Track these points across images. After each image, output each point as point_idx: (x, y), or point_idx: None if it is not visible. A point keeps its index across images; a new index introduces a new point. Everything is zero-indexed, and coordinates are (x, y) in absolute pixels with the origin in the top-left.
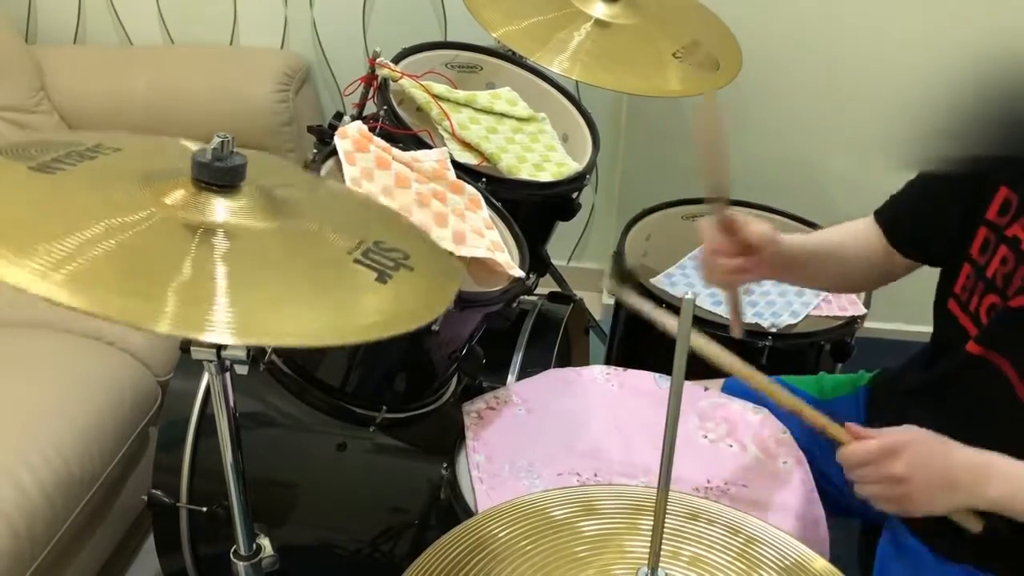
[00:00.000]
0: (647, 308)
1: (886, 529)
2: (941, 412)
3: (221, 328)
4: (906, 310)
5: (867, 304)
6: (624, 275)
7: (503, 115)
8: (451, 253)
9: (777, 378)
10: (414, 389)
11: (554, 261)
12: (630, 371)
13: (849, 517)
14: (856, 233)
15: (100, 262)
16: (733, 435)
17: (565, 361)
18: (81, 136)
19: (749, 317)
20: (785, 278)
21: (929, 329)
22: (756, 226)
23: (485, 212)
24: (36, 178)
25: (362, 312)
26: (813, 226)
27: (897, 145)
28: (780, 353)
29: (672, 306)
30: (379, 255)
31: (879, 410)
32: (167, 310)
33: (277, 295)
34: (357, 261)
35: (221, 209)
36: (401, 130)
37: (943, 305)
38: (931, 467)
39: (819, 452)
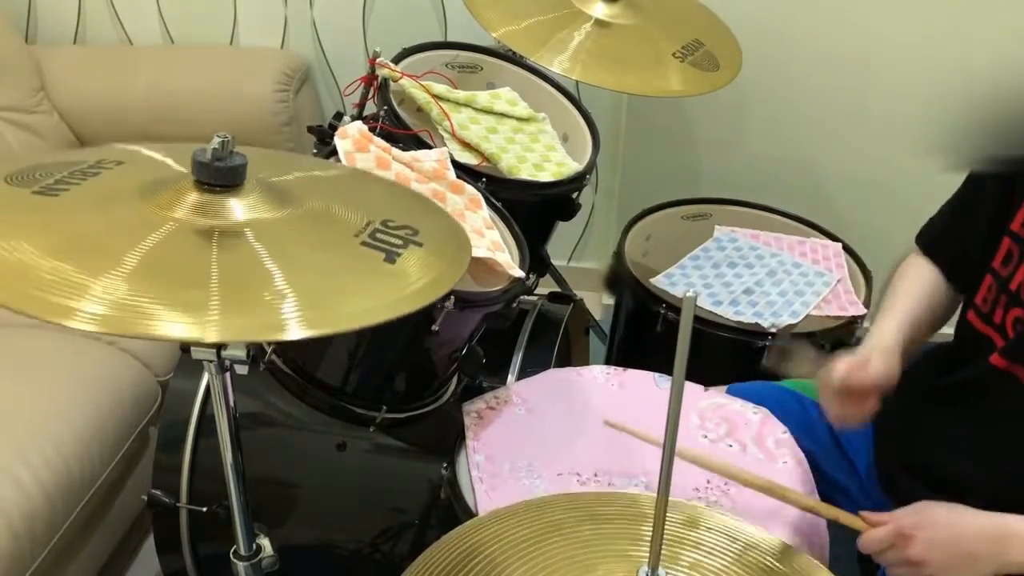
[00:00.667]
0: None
1: None
2: (959, 420)
3: (294, 323)
4: None
5: (867, 304)
6: (614, 280)
7: (503, 115)
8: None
9: (779, 384)
10: (414, 389)
11: (554, 261)
12: (630, 371)
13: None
14: (925, 283)
15: (133, 282)
16: (733, 435)
17: (565, 361)
18: (81, 154)
19: (749, 317)
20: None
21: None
22: (867, 372)
23: (485, 212)
24: (42, 203)
25: (409, 278)
26: (813, 226)
27: (938, 146)
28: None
29: (672, 306)
30: (388, 233)
31: (889, 415)
32: (217, 319)
33: (329, 280)
34: (368, 241)
35: (233, 209)
36: (401, 130)
37: (963, 315)
38: (946, 545)
39: (819, 452)
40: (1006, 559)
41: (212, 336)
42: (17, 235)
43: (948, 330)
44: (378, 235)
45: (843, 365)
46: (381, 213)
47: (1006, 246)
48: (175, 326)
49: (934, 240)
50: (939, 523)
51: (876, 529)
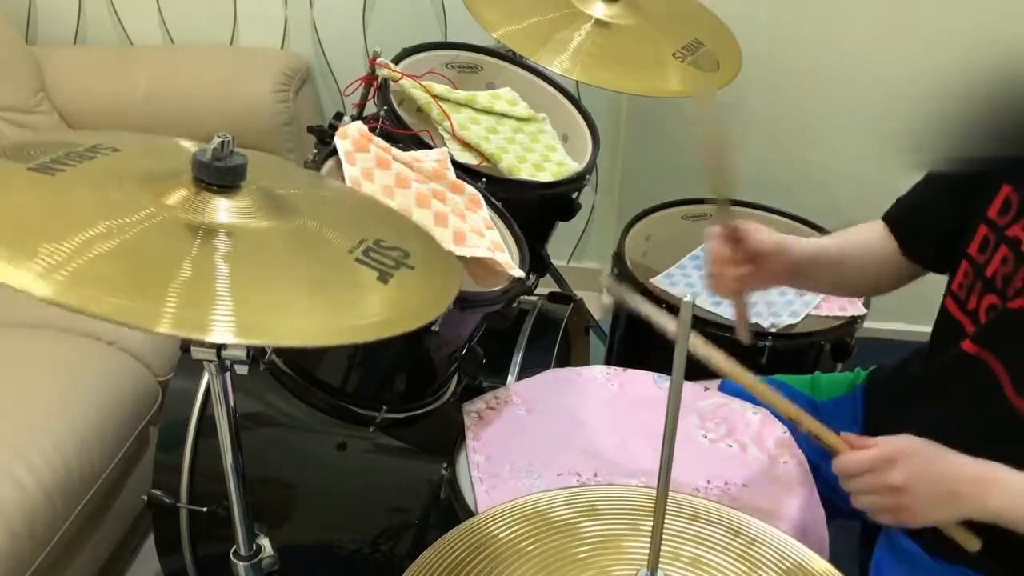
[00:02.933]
0: (648, 309)
1: (883, 531)
2: (935, 408)
3: (223, 328)
4: (906, 310)
5: (867, 304)
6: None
7: (503, 115)
8: (450, 253)
9: (770, 379)
10: (414, 389)
11: (554, 261)
12: (630, 371)
13: (849, 518)
14: (867, 238)
15: (101, 263)
16: (733, 435)
17: (565, 361)
18: (79, 136)
19: (749, 317)
20: (792, 284)
21: (929, 328)
22: (761, 234)
23: (485, 212)
24: (36, 179)
25: (365, 311)
26: (813, 226)
27: (904, 146)
28: (780, 353)
29: (672, 306)
30: (380, 254)
31: (877, 408)
32: (168, 310)
33: (280, 295)
34: (359, 260)
35: (222, 209)
36: (401, 130)
37: (942, 303)
38: (930, 477)
39: (811, 451)
40: (983, 505)
41: (164, 327)
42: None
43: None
44: (370, 254)
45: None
46: (374, 234)
47: (982, 233)
48: (123, 306)
49: (893, 209)
50: (928, 455)
51: (859, 451)
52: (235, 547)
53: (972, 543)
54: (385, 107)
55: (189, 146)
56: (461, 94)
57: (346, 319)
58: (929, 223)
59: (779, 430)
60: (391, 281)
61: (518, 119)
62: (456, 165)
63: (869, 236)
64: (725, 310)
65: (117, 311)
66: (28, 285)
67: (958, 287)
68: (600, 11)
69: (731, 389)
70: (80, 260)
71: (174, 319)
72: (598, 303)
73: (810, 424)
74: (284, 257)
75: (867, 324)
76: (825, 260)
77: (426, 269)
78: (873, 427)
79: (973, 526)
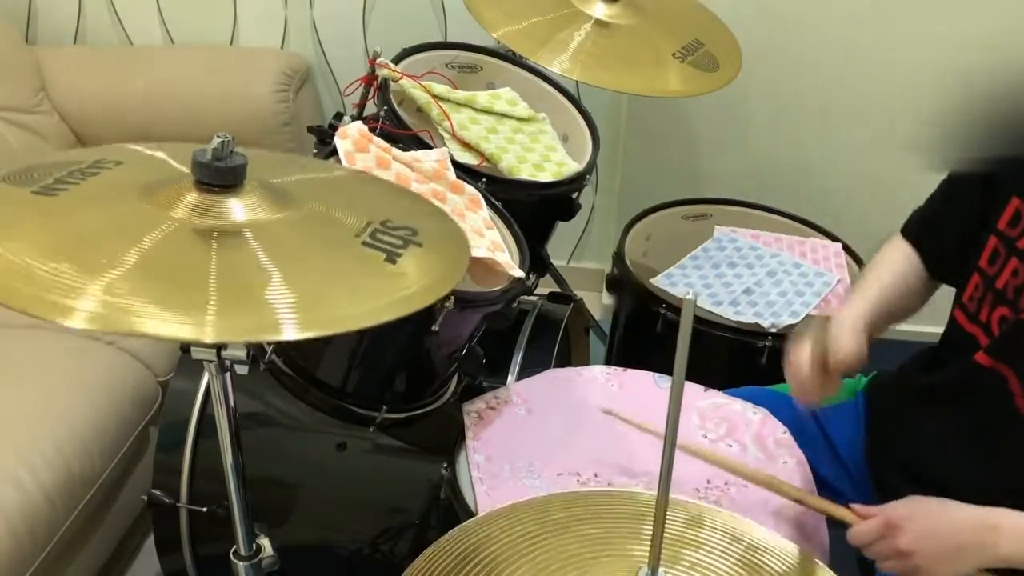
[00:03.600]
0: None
1: None
2: (945, 419)
3: (284, 326)
4: None
5: None
6: (615, 281)
7: (503, 115)
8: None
9: (773, 389)
10: (414, 389)
11: (554, 261)
12: (630, 371)
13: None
14: (904, 273)
15: (131, 282)
16: (733, 435)
17: (565, 361)
18: (80, 153)
19: (749, 317)
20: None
21: (929, 329)
22: (845, 351)
23: (485, 212)
24: (41, 202)
25: (407, 281)
26: (813, 226)
27: (919, 146)
28: (780, 353)
29: (672, 306)
30: (388, 233)
31: (880, 415)
32: (210, 318)
33: (318, 283)
34: (366, 243)
35: (232, 209)
36: (401, 130)
37: (951, 314)
38: (935, 536)
39: (811, 454)
40: (994, 551)
41: (209, 336)
42: (17, 234)
43: (936, 330)
44: (378, 235)
45: (812, 345)
46: (380, 214)
47: (992, 244)
48: (172, 325)
49: (916, 228)
50: (928, 514)
51: (866, 521)
52: (235, 547)
53: None
54: (385, 107)
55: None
56: (461, 94)
57: (392, 292)
58: (950, 240)
59: (779, 430)
60: (401, 260)
61: (518, 119)
62: (456, 165)
63: (904, 269)
64: (725, 310)
65: (166, 328)
66: (69, 319)
67: (968, 299)
68: (600, 11)
69: (733, 390)
70: (111, 283)
71: (221, 326)
72: (598, 303)
73: (816, 503)
74: (305, 245)
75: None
76: (891, 313)
77: (437, 238)
78: (877, 434)
79: None
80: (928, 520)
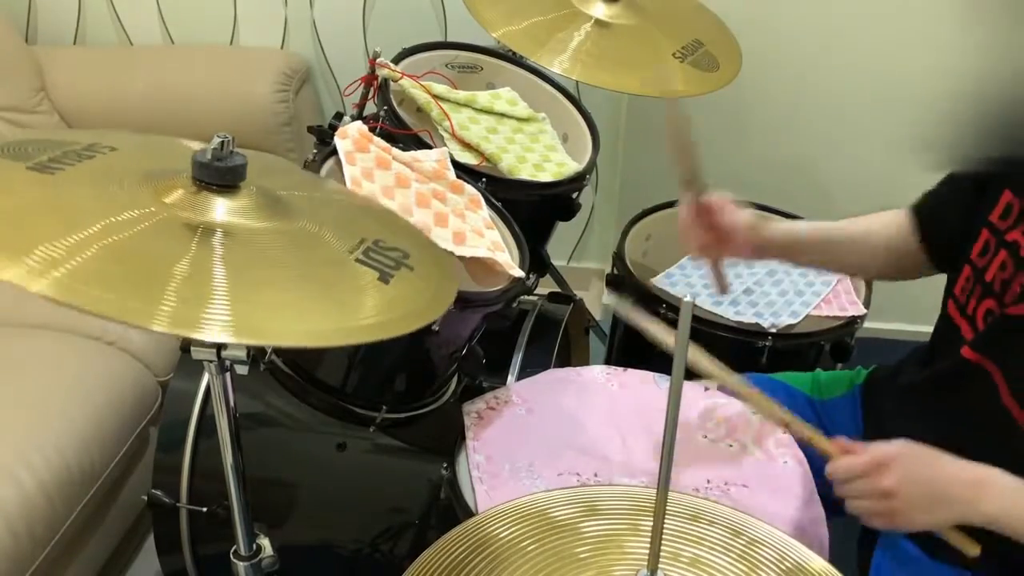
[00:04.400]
0: (646, 323)
1: (883, 534)
2: (933, 413)
3: (219, 327)
4: (906, 310)
5: (867, 304)
6: (617, 281)
7: (503, 115)
8: (450, 253)
9: (770, 377)
10: (414, 389)
11: (554, 261)
12: (630, 371)
13: (848, 518)
14: (887, 223)
15: (98, 261)
16: (733, 435)
17: (565, 361)
18: (77, 135)
19: (749, 317)
20: (793, 261)
21: (929, 328)
22: (732, 215)
23: (485, 212)
24: (34, 178)
25: (364, 312)
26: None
27: (921, 145)
28: (780, 353)
29: (672, 306)
30: (380, 254)
31: (876, 409)
32: (165, 309)
33: (276, 295)
34: (359, 260)
35: (221, 209)
36: (401, 130)
37: (944, 306)
38: (922, 481)
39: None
40: (977, 507)
41: (160, 326)
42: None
43: (929, 328)
44: (371, 255)
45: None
46: (373, 234)
47: (984, 237)
48: (119, 304)
49: (920, 202)
50: (919, 459)
51: (851, 456)
52: (235, 547)
53: (972, 548)
54: (385, 107)
55: (188, 145)
56: (461, 94)
57: (343, 320)
58: (952, 218)
59: (779, 430)
60: (392, 281)
61: (518, 119)
62: (456, 165)
63: (890, 221)
64: (726, 310)
65: (113, 308)
66: (23, 281)
67: (960, 291)
68: (600, 11)
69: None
70: (78, 258)
71: (171, 318)
72: (598, 303)
73: (801, 428)
74: (281, 257)
75: (867, 324)
76: (839, 240)
77: (425, 269)
78: (872, 428)
79: (973, 531)
80: (919, 464)
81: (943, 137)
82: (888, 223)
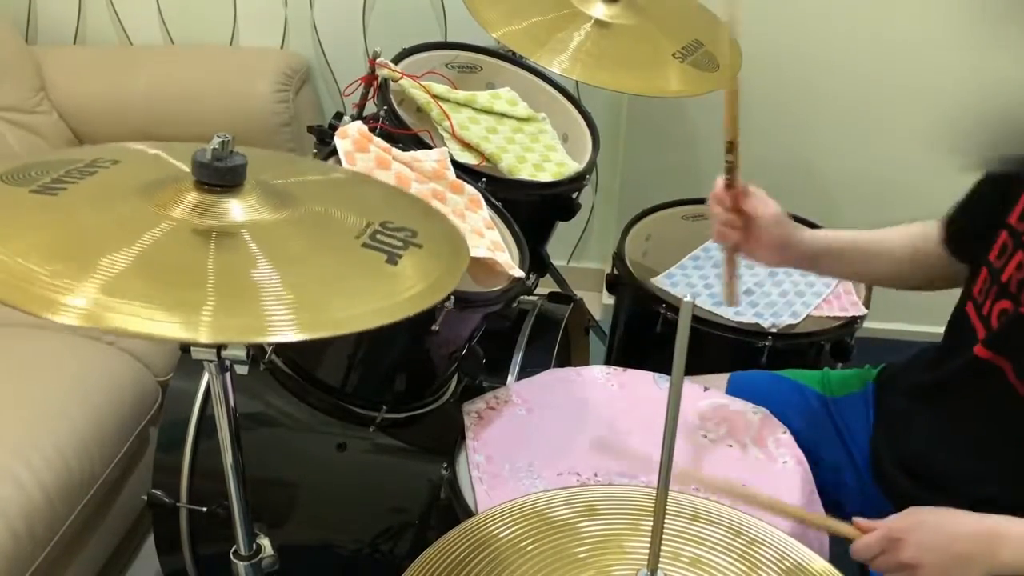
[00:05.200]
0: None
1: None
2: (945, 413)
3: (279, 328)
4: (907, 310)
5: (867, 304)
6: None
7: (503, 115)
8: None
9: (781, 374)
10: (414, 389)
11: (554, 261)
12: (630, 371)
13: (848, 518)
14: (913, 232)
15: (128, 281)
16: (733, 435)
17: (565, 361)
18: (77, 152)
19: (749, 317)
20: (816, 269)
21: (929, 328)
22: (762, 204)
23: (485, 212)
24: (40, 201)
25: (402, 285)
26: (813, 227)
27: (952, 147)
28: (780, 353)
29: (672, 306)
30: (387, 235)
31: (888, 407)
32: (205, 319)
33: (318, 284)
34: (366, 245)
35: (232, 209)
36: (401, 130)
37: (962, 307)
38: (938, 548)
39: (820, 442)
40: (997, 560)
41: (204, 336)
42: (15, 232)
43: (941, 329)
44: (378, 236)
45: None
46: (380, 215)
47: (1002, 238)
48: (165, 325)
49: (948, 216)
50: (930, 526)
51: (868, 535)
52: (235, 547)
53: None
54: (385, 107)
55: (189, 150)
56: (461, 94)
57: (390, 296)
58: (978, 222)
59: (779, 430)
60: (401, 261)
61: (518, 119)
62: (456, 165)
63: (917, 231)
64: (726, 310)
65: (159, 328)
66: (65, 316)
67: (978, 292)
68: (600, 11)
69: (735, 390)
70: (102, 281)
71: (216, 326)
72: (598, 303)
73: (819, 520)
74: (305, 247)
75: (867, 324)
76: (865, 250)
77: (436, 240)
78: (883, 426)
79: None
80: (929, 532)
81: (968, 137)
82: (915, 232)
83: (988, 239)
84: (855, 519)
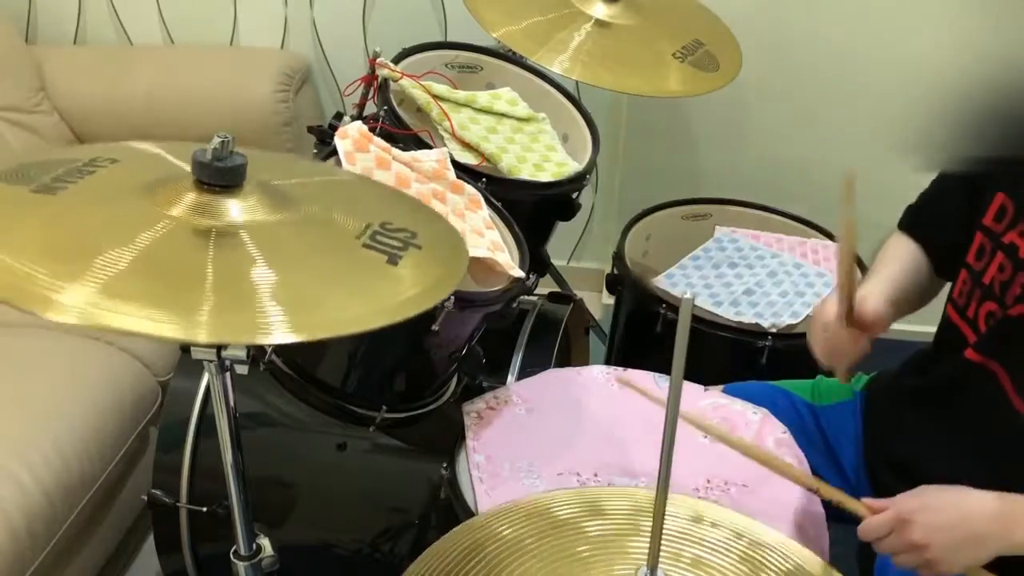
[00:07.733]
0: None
1: None
2: (938, 418)
3: (278, 329)
4: None
5: None
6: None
7: (503, 115)
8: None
9: (772, 384)
10: (414, 389)
11: (554, 261)
12: (630, 371)
13: (849, 519)
14: (916, 268)
15: (127, 281)
16: (733, 435)
17: (565, 361)
18: (76, 151)
19: (749, 317)
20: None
21: (928, 329)
22: (872, 307)
23: (485, 212)
24: (39, 201)
25: (400, 288)
26: (814, 227)
27: (911, 146)
28: (780, 353)
29: (672, 306)
30: (387, 236)
31: (877, 414)
32: (202, 319)
33: (315, 286)
34: (366, 245)
35: (232, 209)
36: (401, 130)
37: (944, 310)
38: (948, 527)
39: (809, 452)
40: (1011, 539)
41: (202, 336)
42: (13, 234)
43: (930, 328)
44: (378, 237)
45: (838, 300)
46: (380, 216)
47: (979, 240)
48: (164, 325)
49: (914, 224)
50: (940, 506)
51: (876, 515)
52: (235, 547)
53: None
54: (385, 107)
55: (189, 149)
56: (461, 94)
57: (386, 298)
58: (950, 236)
59: (779, 430)
60: (401, 262)
61: (518, 119)
62: (456, 165)
63: (911, 265)
64: (726, 310)
65: (158, 328)
66: (63, 315)
67: (958, 295)
68: (600, 11)
69: (734, 390)
70: (101, 280)
71: (216, 327)
72: (598, 303)
73: (830, 492)
74: (305, 247)
75: None
76: (903, 297)
77: (430, 239)
78: (873, 433)
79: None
80: (940, 512)
81: (933, 137)
82: (912, 266)
83: (963, 242)
84: (865, 499)
